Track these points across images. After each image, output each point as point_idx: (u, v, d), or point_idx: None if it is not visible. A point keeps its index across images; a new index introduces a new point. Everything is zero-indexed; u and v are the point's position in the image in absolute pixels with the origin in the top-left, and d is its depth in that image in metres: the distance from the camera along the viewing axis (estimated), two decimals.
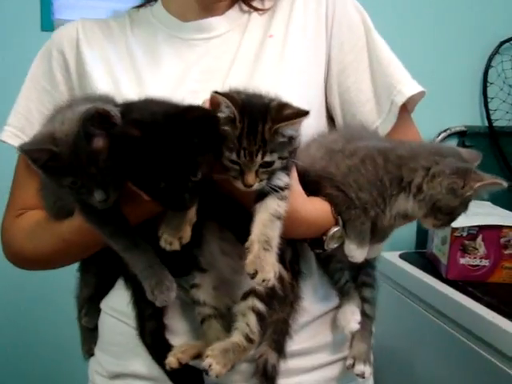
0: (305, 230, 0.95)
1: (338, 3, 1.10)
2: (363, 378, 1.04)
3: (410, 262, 1.99)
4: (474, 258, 1.79)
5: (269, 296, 0.91)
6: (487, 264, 1.79)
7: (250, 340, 0.90)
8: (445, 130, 2.31)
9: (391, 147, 0.96)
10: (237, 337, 0.90)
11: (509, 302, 1.61)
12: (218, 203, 0.92)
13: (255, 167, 0.80)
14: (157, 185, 0.77)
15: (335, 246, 0.97)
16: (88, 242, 0.95)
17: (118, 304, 1.05)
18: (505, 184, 0.90)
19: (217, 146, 0.80)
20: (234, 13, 1.12)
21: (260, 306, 0.91)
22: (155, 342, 0.99)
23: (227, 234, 0.95)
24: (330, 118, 1.12)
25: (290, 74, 1.05)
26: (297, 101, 0.94)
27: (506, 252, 1.78)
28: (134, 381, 1.03)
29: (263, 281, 0.80)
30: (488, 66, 2.35)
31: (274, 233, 0.83)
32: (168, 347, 0.97)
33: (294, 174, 0.91)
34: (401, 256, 2.05)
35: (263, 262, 0.81)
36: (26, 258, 1.06)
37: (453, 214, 0.92)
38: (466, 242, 1.78)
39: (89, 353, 1.15)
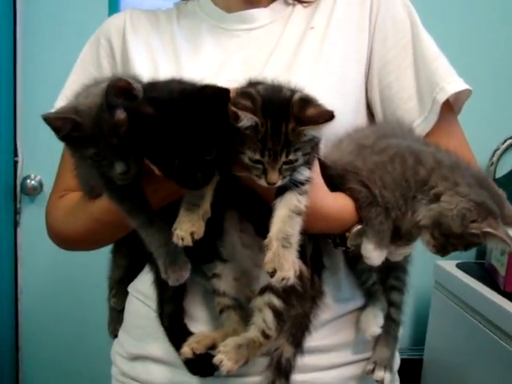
0: (325, 224, 0.92)
1: None
2: None
3: (468, 272, 1.89)
4: None
5: (286, 292, 0.89)
6: None
7: (266, 336, 0.89)
8: (510, 137, 2.11)
9: (429, 151, 0.91)
10: (253, 332, 0.89)
11: None
12: (238, 195, 0.91)
13: (279, 166, 0.79)
14: (171, 162, 0.77)
15: (358, 244, 0.93)
16: (117, 222, 0.94)
17: (143, 286, 1.07)
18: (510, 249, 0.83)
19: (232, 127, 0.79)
20: (278, 5, 1.13)
21: (277, 302, 0.89)
22: (173, 325, 1.00)
23: (247, 226, 0.94)
24: (371, 114, 1.09)
25: (328, 67, 1.03)
26: (332, 95, 0.92)
27: None
28: (152, 364, 1.05)
29: (282, 279, 0.79)
30: None
31: (294, 230, 0.82)
32: (185, 332, 0.98)
33: (316, 167, 0.88)
34: (458, 265, 1.95)
35: (282, 259, 0.79)
36: (66, 237, 1.09)
37: (448, 240, 0.85)
38: None
39: (113, 333, 1.18)
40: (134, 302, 1.11)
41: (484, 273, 1.87)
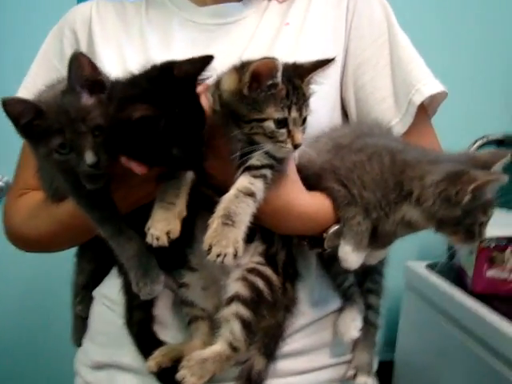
0: (300, 224, 0.84)
1: None
2: None
3: (437, 273, 1.81)
4: (503, 270, 1.60)
5: (254, 302, 0.81)
6: None
7: (234, 348, 0.81)
8: (481, 138, 2.08)
9: (400, 149, 0.84)
10: (220, 345, 0.81)
11: None
12: (209, 199, 0.82)
13: (301, 122, 0.75)
14: (180, 150, 0.70)
15: (335, 246, 0.84)
16: (83, 226, 0.86)
17: (109, 291, 0.98)
18: (504, 178, 0.77)
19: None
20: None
21: (245, 312, 0.80)
22: (141, 332, 0.91)
23: None
24: (345, 114, 1.01)
25: None
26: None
27: None
28: (117, 372, 0.95)
29: (218, 256, 0.69)
30: None
31: (239, 209, 0.72)
32: (155, 340, 0.90)
33: (291, 161, 0.80)
34: (428, 266, 1.88)
35: (220, 235, 0.70)
36: (25, 238, 1.00)
37: (465, 225, 0.79)
38: (494, 254, 1.60)
39: (77, 342, 1.07)
40: (99, 307, 1.01)
41: (454, 273, 1.79)
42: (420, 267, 1.88)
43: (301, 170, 0.84)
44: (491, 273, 1.60)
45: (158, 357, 0.84)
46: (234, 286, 0.80)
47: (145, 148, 0.70)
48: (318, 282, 0.96)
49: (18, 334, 2.03)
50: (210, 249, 0.70)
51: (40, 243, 0.98)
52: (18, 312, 2.03)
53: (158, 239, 0.73)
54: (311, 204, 0.83)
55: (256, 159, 0.74)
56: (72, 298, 1.08)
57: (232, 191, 0.73)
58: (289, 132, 0.73)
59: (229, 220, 0.71)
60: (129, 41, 1.01)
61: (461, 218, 0.78)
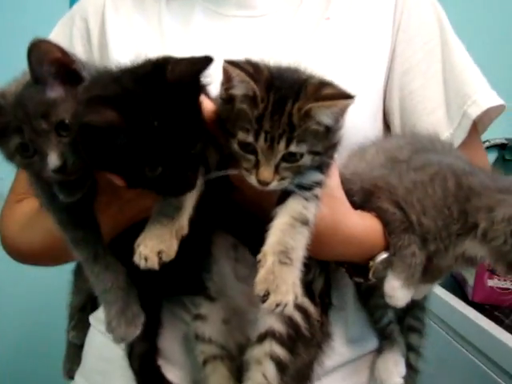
0: (346, 248, 0.69)
1: None
2: None
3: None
4: (504, 280, 1.52)
5: (291, 338, 0.66)
6: None
7: None
8: (483, 142, 2.00)
9: (467, 171, 0.70)
10: None
11: None
12: (232, 213, 0.67)
13: (276, 159, 0.56)
14: (152, 172, 0.54)
15: (382, 277, 0.70)
16: None
17: None
18: None
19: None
20: None
21: (280, 351, 0.65)
22: (144, 368, 0.76)
23: (244, 254, 0.70)
24: (386, 124, 0.87)
25: (345, 66, 0.80)
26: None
27: None
28: None
29: (277, 305, 0.55)
30: None
31: (297, 242, 0.58)
32: (159, 377, 0.76)
33: (336, 176, 0.65)
34: None
35: (278, 279, 0.56)
36: (18, 250, 0.84)
37: None
38: None
39: (68, 374, 0.92)
40: (95, 336, 0.85)
41: (453, 282, 1.72)
42: None
43: (343, 184, 0.69)
44: (492, 283, 1.53)
45: None
46: (267, 321, 0.66)
47: (112, 162, 0.56)
48: (354, 316, 0.81)
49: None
50: (266, 295, 0.55)
51: (33, 256, 0.83)
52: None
53: (146, 260, 0.56)
54: (358, 227, 0.69)
55: (307, 176, 0.60)
56: (67, 322, 0.93)
57: (285, 219, 0.58)
58: (257, 162, 0.58)
59: (286, 258, 0.56)
60: (145, 31, 0.86)
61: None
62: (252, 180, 0.57)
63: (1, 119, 0.57)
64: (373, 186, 0.71)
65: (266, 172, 0.56)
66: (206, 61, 0.54)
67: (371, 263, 0.69)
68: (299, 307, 0.67)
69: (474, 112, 0.79)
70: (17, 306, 1.88)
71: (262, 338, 0.66)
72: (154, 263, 0.56)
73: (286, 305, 0.55)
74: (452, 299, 1.59)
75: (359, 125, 0.76)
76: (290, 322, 0.66)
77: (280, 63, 0.61)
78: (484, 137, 1.96)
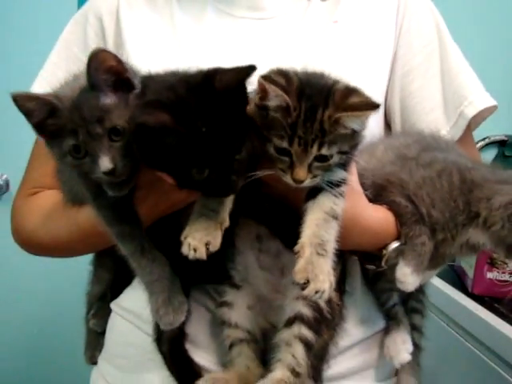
0: (363, 238, 0.76)
1: (412, 0, 0.92)
2: None
3: (437, 275, 1.76)
4: (503, 273, 1.56)
5: (317, 321, 0.73)
6: None
7: (296, 374, 0.72)
8: (483, 139, 2.06)
9: (470, 166, 0.77)
10: (281, 371, 0.72)
11: None
12: (260, 201, 0.73)
13: (309, 160, 0.63)
14: (200, 174, 0.60)
15: (393, 264, 0.77)
16: (107, 235, 0.76)
17: (133, 305, 0.86)
18: None
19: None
20: None
21: (308, 333, 0.72)
22: (173, 351, 0.81)
23: (267, 245, 0.76)
24: (386, 123, 0.94)
25: (352, 67, 0.86)
26: None
27: None
28: None
29: (316, 292, 0.62)
30: None
31: (330, 235, 0.66)
32: (187, 360, 0.81)
33: (355, 173, 0.72)
34: None
35: (316, 269, 0.63)
36: (39, 242, 0.88)
37: None
38: (495, 255, 1.53)
39: (91, 360, 0.96)
40: (118, 322, 0.90)
41: (453, 275, 1.78)
42: None
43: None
44: (491, 275, 1.57)
45: None
46: (296, 306, 0.72)
47: (163, 162, 0.62)
48: (362, 299, 0.88)
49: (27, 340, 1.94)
50: (306, 283, 0.62)
51: (56, 249, 0.87)
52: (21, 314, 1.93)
53: (195, 250, 0.63)
54: (376, 218, 0.76)
55: (335, 174, 0.67)
56: (86, 311, 0.97)
57: (319, 214, 0.65)
58: (292, 163, 0.64)
59: (322, 250, 0.64)
60: (159, 30, 0.90)
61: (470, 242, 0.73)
62: (287, 179, 0.64)
63: (57, 121, 0.63)
64: (385, 181, 0.78)
65: (301, 172, 0.63)
66: (250, 69, 0.61)
67: (384, 252, 0.77)
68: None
69: (470, 112, 0.88)
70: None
71: (290, 322, 0.73)
72: (202, 254, 0.63)
73: (323, 291, 0.62)
74: (452, 291, 1.63)
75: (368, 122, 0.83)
76: (315, 306, 0.73)
77: (306, 68, 0.68)
78: (484, 134, 2.06)
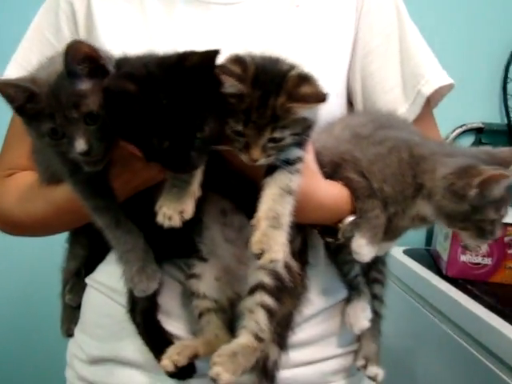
0: (318, 214, 0.82)
1: None
2: (374, 380, 0.93)
3: (413, 258, 1.84)
4: (476, 255, 1.62)
5: (278, 289, 0.79)
6: (489, 263, 1.60)
7: (259, 339, 0.78)
8: (460, 126, 2.11)
9: (418, 142, 0.84)
10: (245, 337, 0.78)
11: (509, 303, 1.45)
12: (224, 176, 0.79)
13: (262, 142, 0.69)
14: (159, 144, 0.65)
15: (350, 236, 0.84)
16: (81, 211, 0.81)
17: (108, 279, 0.93)
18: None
19: (219, 98, 0.68)
20: None
21: (269, 300, 0.78)
22: (146, 321, 0.87)
23: (231, 219, 0.83)
24: (349, 102, 1.00)
25: (314, 49, 0.93)
26: (319, 78, 0.81)
27: (510, 251, 1.61)
28: (117, 366, 0.91)
29: (271, 261, 0.69)
30: (509, 62, 2.12)
31: (285, 209, 0.71)
32: (160, 329, 0.87)
33: (311, 151, 0.79)
34: (405, 252, 1.91)
35: (271, 240, 0.69)
36: (16, 222, 0.93)
37: (474, 222, 0.78)
38: None
39: (67, 333, 1.02)
40: (93, 295, 0.96)
41: (430, 259, 1.83)
42: (397, 253, 1.89)
43: (315, 157, 0.83)
44: (465, 258, 1.62)
45: (173, 355, 0.80)
46: (257, 275, 0.78)
47: (128, 130, 0.67)
48: (325, 271, 0.95)
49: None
50: (261, 253, 0.68)
51: (32, 227, 0.92)
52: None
53: (170, 219, 0.69)
54: (330, 194, 0.82)
55: (291, 152, 0.72)
56: (62, 286, 1.03)
57: (275, 190, 0.71)
58: (247, 144, 0.70)
59: (276, 222, 0.69)
60: (130, 13, 0.94)
61: (469, 213, 0.77)
62: (243, 157, 0.71)
63: (36, 105, 0.68)
64: (340, 159, 0.84)
65: (256, 152, 0.69)
66: (214, 53, 0.66)
67: (340, 225, 0.83)
68: (284, 263, 0.80)
69: (427, 90, 0.94)
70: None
71: (253, 290, 0.79)
72: (176, 221, 0.69)
73: (277, 261, 0.69)
74: (427, 274, 1.68)
75: (330, 102, 0.88)
76: (276, 275, 0.79)
77: (264, 54, 0.74)
78: (461, 121, 2.09)
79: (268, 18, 0.94)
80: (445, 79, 0.95)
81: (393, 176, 0.80)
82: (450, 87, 0.97)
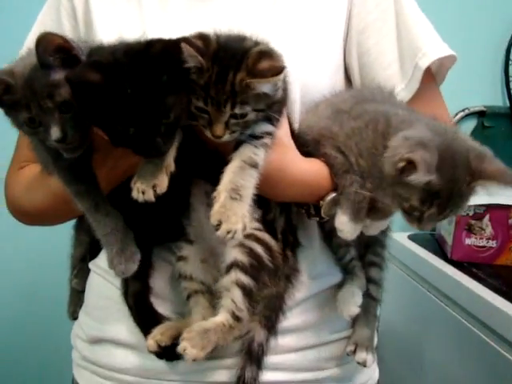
0: (296, 190, 0.75)
1: None
2: (364, 366, 0.83)
3: (418, 243, 1.75)
4: (481, 238, 1.54)
5: (254, 268, 0.73)
6: (494, 245, 1.53)
7: (236, 318, 0.72)
8: (463, 110, 1.99)
9: (398, 114, 0.73)
10: (222, 315, 0.72)
11: None
12: (204, 162, 0.74)
13: (224, 118, 0.65)
14: (125, 131, 0.62)
15: (333, 214, 0.75)
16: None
17: (105, 263, 0.85)
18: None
19: (187, 83, 0.64)
20: None
21: (245, 278, 0.72)
22: (138, 303, 0.84)
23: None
24: (349, 80, 0.90)
25: (305, 30, 0.84)
26: (310, 57, 0.78)
27: None
28: (113, 347, 0.86)
29: (228, 232, 0.64)
30: (511, 44, 1.99)
31: (246, 182, 0.66)
32: (151, 311, 0.83)
33: (285, 126, 0.72)
34: (409, 237, 1.81)
35: (229, 211, 0.64)
36: (23, 211, 0.91)
37: (400, 201, 0.70)
38: (472, 222, 1.52)
39: (73, 315, 0.99)
40: (95, 279, 0.92)
41: (435, 243, 1.74)
42: (402, 238, 1.80)
43: (300, 136, 0.76)
44: (469, 241, 1.54)
45: (157, 335, 0.75)
46: (232, 253, 0.73)
47: (95, 117, 0.64)
48: (320, 254, 0.86)
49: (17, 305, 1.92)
50: (219, 225, 0.63)
51: (38, 216, 0.89)
52: (11, 284, 1.91)
53: (143, 193, 0.65)
54: (307, 170, 0.75)
55: (258, 127, 0.67)
56: (69, 272, 1.00)
57: (236, 163, 0.66)
58: (210, 120, 0.65)
59: (236, 194, 0.64)
60: (126, 7, 0.90)
61: (395, 192, 0.69)
62: (208, 134, 0.66)
63: (12, 97, 0.66)
64: (319, 135, 0.76)
65: (218, 128, 0.65)
66: (180, 41, 0.63)
67: (321, 203, 0.76)
68: (260, 240, 0.74)
69: (424, 63, 0.83)
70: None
71: (228, 269, 0.73)
72: (150, 196, 0.64)
73: (235, 232, 0.63)
74: (432, 258, 1.61)
75: (320, 82, 0.81)
76: (251, 252, 0.73)
77: (232, 32, 0.68)
78: (463, 105, 1.97)
79: (260, 2, 0.86)
80: (443, 51, 0.84)
81: (367, 150, 0.71)
82: (452, 60, 0.85)
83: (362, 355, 0.83)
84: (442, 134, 0.69)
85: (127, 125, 0.61)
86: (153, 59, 0.61)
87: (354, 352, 0.84)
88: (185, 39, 0.63)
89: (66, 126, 0.66)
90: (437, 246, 1.71)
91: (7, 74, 0.65)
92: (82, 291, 0.96)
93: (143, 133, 0.62)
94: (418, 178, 0.64)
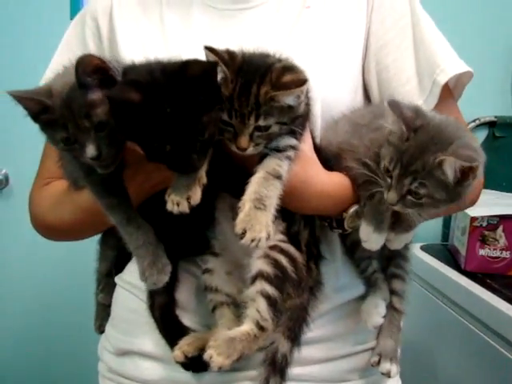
0: (319, 203, 0.75)
1: None
2: (389, 376, 0.82)
3: (431, 254, 1.73)
4: (494, 249, 1.52)
5: (279, 278, 0.72)
6: (508, 256, 1.51)
7: (261, 328, 0.71)
8: (474, 121, 1.96)
9: None
10: (247, 325, 0.71)
11: None
12: (230, 176, 0.75)
13: (249, 130, 0.65)
14: (162, 148, 0.63)
15: (356, 226, 0.76)
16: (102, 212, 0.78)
17: (131, 277, 0.88)
18: None
19: (220, 100, 0.65)
20: None
21: (269, 289, 0.71)
22: (164, 316, 0.83)
23: None
24: (368, 97, 0.91)
25: (325, 48, 0.85)
26: (329, 76, 0.80)
27: None
28: (139, 359, 0.86)
29: (252, 241, 0.64)
30: None
31: (270, 192, 0.67)
32: (177, 324, 0.83)
33: (309, 140, 0.73)
34: (422, 248, 1.79)
35: (253, 220, 0.65)
36: (49, 227, 0.90)
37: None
38: (486, 233, 1.50)
39: (100, 329, 0.98)
40: (121, 293, 0.91)
41: (447, 254, 1.72)
42: (415, 249, 1.79)
43: (321, 152, 0.76)
44: (483, 252, 1.52)
45: (183, 346, 0.75)
46: (257, 264, 0.72)
47: (133, 134, 0.65)
48: (343, 267, 0.86)
49: (44, 316, 1.91)
50: (243, 233, 0.63)
51: (64, 231, 0.89)
52: (33, 299, 1.90)
53: (178, 205, 0.65)
54: (330, 183, 0.75)
55: (282, 141, 0.68)
56: (95, 286, 1.00)
57: (261, 174, 0.67)
58: (235, 133, 0.66)
59: (260, 204, 0.65)
60: (149, 29, 0.90)
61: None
62: (233, 147, 0.66)
63: (49, 116, 0.67)
64: (339, 149, 0.77)
65: (243, 141, 0.65)
66: (216, 63, 0.64)
67: (344, 214, 0.76)
68: (284, 252, 0.74)
69: (442, 79, 0.83)
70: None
71: (253, 279, 0.73)
72: (184, 207, 0.65)
73: (259, 240, 0.64)
74: (446, 269, 1.59)
75: (340, 99, 0.82)
76: (276, 264, 0.73)
77: (257, 50, 0.69)
78: (474, 115, 1.97)
79: (280, 21, 0.87)
80: (460, 67, 0.84)
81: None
82: (469, 76, 0.85)
83: (386, 366, 0.82)
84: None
85: (164, 142, 0.62)
86: (191, 80, 0.62)
87: (378, 363, 0.83)
88: (211, 49, 0.64)
89: (101, 144, 0.67)
90: (450, 257, 1.69)
91: (45, 95, 0.66)
92: (109, 305, 0.96)
93: (180, 150, 0.63)
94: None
